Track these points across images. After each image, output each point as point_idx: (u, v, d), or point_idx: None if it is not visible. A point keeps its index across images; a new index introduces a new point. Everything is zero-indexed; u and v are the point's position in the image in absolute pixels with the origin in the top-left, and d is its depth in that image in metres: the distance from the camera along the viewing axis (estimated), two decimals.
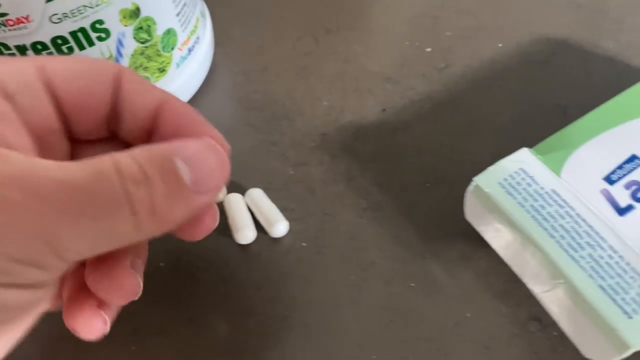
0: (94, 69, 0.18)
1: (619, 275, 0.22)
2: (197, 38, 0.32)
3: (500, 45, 0.34)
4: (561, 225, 0.23)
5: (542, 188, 0.24)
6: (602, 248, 0.22)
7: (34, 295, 0.15)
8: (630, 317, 0.21)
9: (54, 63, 0.18)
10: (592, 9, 0.35)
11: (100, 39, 0.26)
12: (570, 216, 0.23)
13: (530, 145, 0.25)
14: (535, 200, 0.24)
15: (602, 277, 0.22)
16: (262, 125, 0.32)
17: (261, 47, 0.35)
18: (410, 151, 0.30)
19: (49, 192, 0.14)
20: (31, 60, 0.18)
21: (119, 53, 0.27)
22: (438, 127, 0.31)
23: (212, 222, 0.19)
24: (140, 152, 0.16)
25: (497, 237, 0.24)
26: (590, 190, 0.24)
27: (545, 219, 0.23)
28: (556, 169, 0.24)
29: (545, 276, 0.23)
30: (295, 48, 0.35)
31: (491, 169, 0.25)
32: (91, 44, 0.26)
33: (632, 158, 0.25)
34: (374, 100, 0.32)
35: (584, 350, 0.22)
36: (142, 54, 0.28)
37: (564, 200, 0.23)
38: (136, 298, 0.19)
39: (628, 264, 0.22)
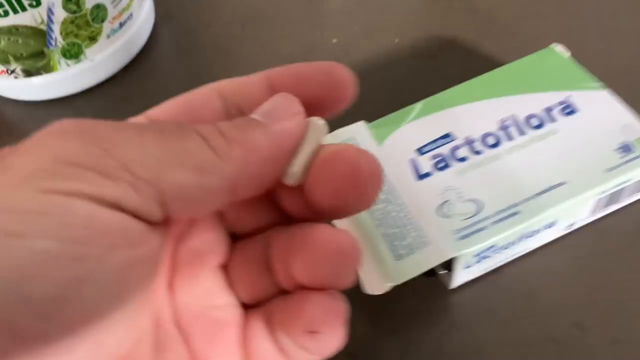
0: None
1: (400, 226, 0.26)
2: (131, 14, 0.37)
3: (396, 41, 0.38)
4: None
5: None
6: (394, 204, 0.26)
7: (145, 232, 0.14)
8: (400, 259, 0.25)
9: None
10: (488, 14, 0.39)
11: (32, 5, 0.32)
12: None
13: None
14: None
15: (387, 226, 0.26)
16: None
17: (197, 27, 0.41)
18: None
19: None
20: None
21: (50, 20, 0.33)
22: None
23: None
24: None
25: None
26: (402, 158, 0.28)
27: None
28: (380, 139, 0.29)
29: (346, 223, 0.27)
30: (225, 31, 0.40)
31: (328, 136, 0.29)
32: (24, 9, 0.32)
33: (447, 135, 0.29)
34: None
35: (365, 284, 0.26)
36: (72, 22, 0.34)
37: None
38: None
39: (411, 218, 0.26)
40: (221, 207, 0.16)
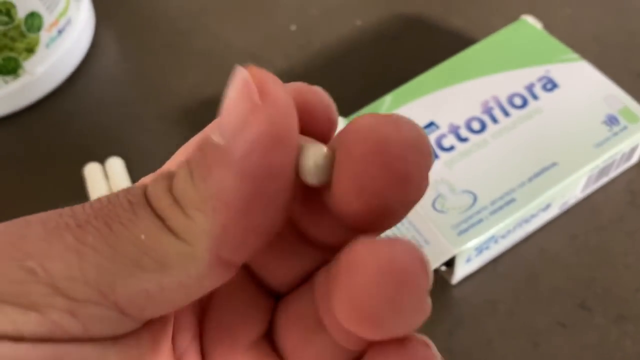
0: None
1: (396, 227, 0.24)
2: (69, 20, 0.34)
3: (359, 23, 0.36)
4: None
5: None
6: None
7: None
8: None
9: None
10: None
11: None
12: None
13: None
14: None
15: None
16: (132, 100, 0.34)
17: (142, 26, 0.38)
18: None
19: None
20: None
21: None
22: None
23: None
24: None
25: None
26: None
27: None
28: None
29: None
30: (173, 27, 0.38)
31: None
32: None
33: (430, 124, 0.27)
34: None
35: None
36: (5, 35, 0.31)
37: None
38: None
39: (407, 217, 0.25)
40: (221, 283, 0.12)
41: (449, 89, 0.28)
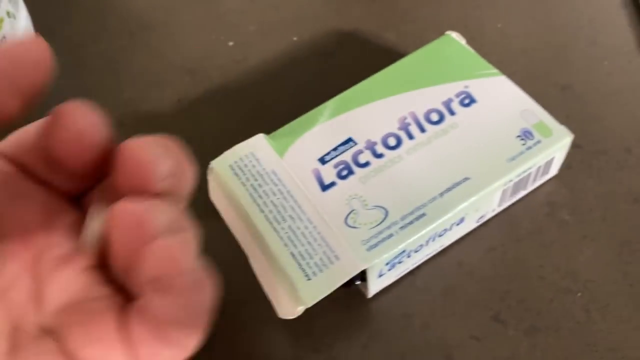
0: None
1: (309, 243, 0.25)
2: (4, 37, 0.34)
3: (295, 39, 0.37)
4: (272, 201, 0.26)
5: (264, 169, 0.27)
6: (301, 220, 0.25)
7: None
8: (309, 279, 0.24)
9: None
10: (385, 2, 0.38)
11: None
12: (282, 193, 0.26)
13: None
14: (256, 180, 0.27)
15: (295, 245, 0.25)
16: None
17: (82, 42, 0.38)
18: (195, 135, 0.33)
19: None
20: None
21: None
22: (223, 115, 0.34)
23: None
24: None
25: (230, 216, 0.27)
26: (304, 169, 0.27)
27: (260, 196, 0.26)
28: (281, 151, 0.27)
29: (254, 245, 0.26)
30: (113, 44, 0.38)
31: (227, 153, 0.28)
32: None
33: (348, 140, 0.28)
34: (172, 91, 0.35)
35: (277, 308, 0.25)
36: None
37: (279, 179, 0.26)
38: None
39: (319, 232, 0.25)
40: None
41: (371, 105, 0.29)
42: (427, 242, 0.26)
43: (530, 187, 0.29)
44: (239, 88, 0.35)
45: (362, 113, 0.28)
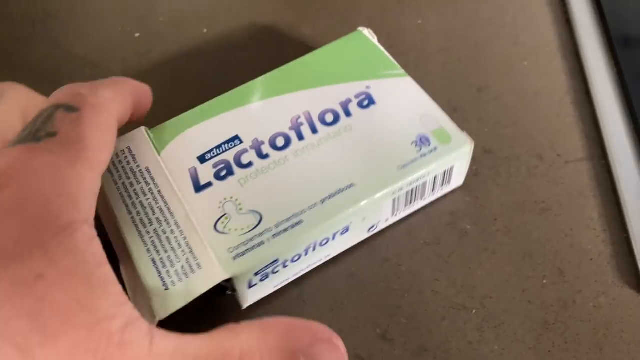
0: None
1: (172, 249, 0.22)
2: None
3: (205, 30, 0.34)
4: (141, 202, 0.24)
5: (138, 166, 0.25)
6: (168, 223, 0.23)
7: None
8: (167, 289, 0.22)
9: None
10: None
11: None
12: (152, 193, 0.24)
13: None
14: (128, 178, 0.24)
15: (158, 251, 0.22)
16: None
17: None
18: None
19: None
20: None
21: None
22: None
23: None
24: (268, 344, 0.18)
25: (105, 218, 0.25)
26: (181, 168, 0.25)
27: (130, 196, 0.24)
28: (160, 147, 0.25)
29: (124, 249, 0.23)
30: (13, 32, 0.35)
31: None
32: None
33: (234, 139, 0.25)
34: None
35: (145, 316, 0.23)
36: None
37: (152, 178, 0.24)
38: None
39: (185, 238, 0.23)
40: None
41: (266, 101, 0.27)
42: (307, 251, 0.23)
43: (431, 197, 0.26)
44: (139, 80, 0.32)
45: (256, 110, 0.26)
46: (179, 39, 0.34)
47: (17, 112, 0.21)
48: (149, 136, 0.26)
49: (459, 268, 0.25)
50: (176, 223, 0.23)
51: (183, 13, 0.35)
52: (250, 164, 0.25)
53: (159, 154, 0.25)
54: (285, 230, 0.23)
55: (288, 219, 0.23)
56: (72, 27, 0.35)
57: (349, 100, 0.26)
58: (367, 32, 0.29)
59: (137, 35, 0.35)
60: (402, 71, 0.27)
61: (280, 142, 0.25)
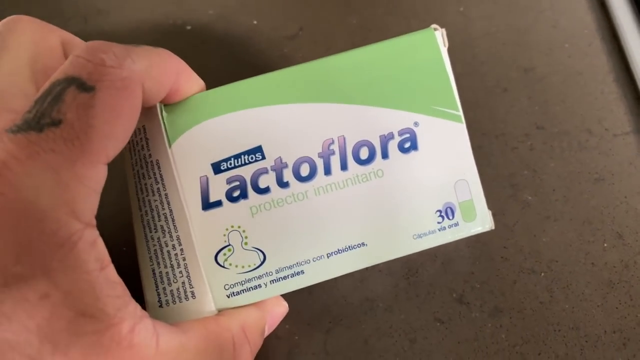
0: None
1: (172, 266, 0.22)
2: None
3: (255, 22, 0.36)
4: (149, 202, 0.22)
5: (150, 155, 0.22)
6: (171, 236, 0.22)
7: None
8: (161, 306, 0.22)
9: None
10: None
11: None
12: (160, 196, 0.22)
13: None
14: (141, 167, 0.22)
15: (159, 263, 0.22)
16: None
17: None
18: None
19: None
20: None
21: None
22: None
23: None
24: (248, 323, 0.21)
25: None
26: (192, 173, 0.22)
27: (142, 190, 0.22)
28: (173, 137, 0.22)
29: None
30: (64, 29, 0.36)
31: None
32: None
33: (256, 150, 0.22)
34: None
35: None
36: None
37: (161, 177, 0.22)
38: None
39: (184, 258, 0.22)
40: None
41: (301, 106, 0.22)
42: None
43: None
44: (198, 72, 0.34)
45: (286, 115, 0.22)
46: (230, 31, 0.35)
47: (24, 64, 0.19)
48: (162, 118, 0.22)
49: (524, 236, 0.27)
50: (178, 239, 0.22)
51: (232, 6, 0.37)
52: (267, 190, 0.22)
53: (170, 145, 0.22)
54: (285, 278, 0.22)
55: (290, 267, 0.22)
56: (123, 23, 0.36)
57: (391, 137, 0.22)
58: (439, 35, 0.23)
59: (188, 27, 0.36)
60: (459, 113, 0.23)
61: (304, 170, 0.22)
